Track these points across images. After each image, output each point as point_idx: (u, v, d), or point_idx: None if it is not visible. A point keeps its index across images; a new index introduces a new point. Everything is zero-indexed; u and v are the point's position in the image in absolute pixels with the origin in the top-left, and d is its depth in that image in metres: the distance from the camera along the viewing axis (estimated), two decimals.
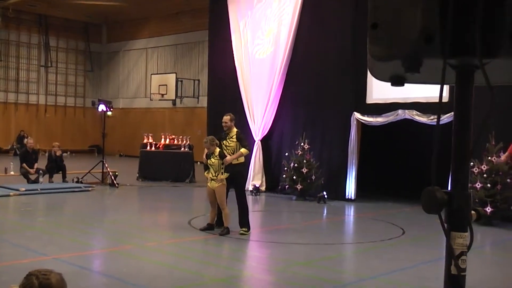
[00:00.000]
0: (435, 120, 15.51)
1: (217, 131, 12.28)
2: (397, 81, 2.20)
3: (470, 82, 2.17)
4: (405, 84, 2.24)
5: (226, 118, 12.06)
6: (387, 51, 2.06)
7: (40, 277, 3.30)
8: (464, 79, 2.17)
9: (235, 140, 11.95)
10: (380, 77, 2.26)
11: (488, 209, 12.99)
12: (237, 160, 11.86)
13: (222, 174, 11.31)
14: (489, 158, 13.58)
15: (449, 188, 2.25)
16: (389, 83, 2.28)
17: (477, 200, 13.12)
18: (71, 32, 39.13)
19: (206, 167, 11.55)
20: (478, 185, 13.35)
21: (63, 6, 34.78)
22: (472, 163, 13.24)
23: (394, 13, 2.03)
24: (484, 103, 2.04)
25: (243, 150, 11.84)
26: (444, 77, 1.99)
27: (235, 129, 12.13)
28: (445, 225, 2.23)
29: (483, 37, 1.92)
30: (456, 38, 1.95)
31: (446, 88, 2.13)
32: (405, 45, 2.00)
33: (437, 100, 2.05)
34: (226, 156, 11.48)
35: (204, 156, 11.58)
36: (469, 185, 13.22)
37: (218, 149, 11.45)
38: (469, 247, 2.28)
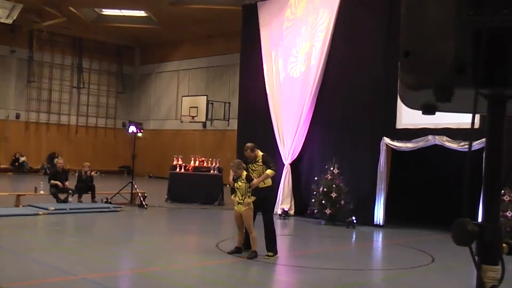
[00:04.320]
0: (466, 146, 15.36)
1: (245, 155, 12.26)
2: (428, 110, 2.18)
3: (502, 112, 2.14)
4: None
5: (246, 152, 12.09)
6: (419, 80, 2.04)
7: None
8: (496, 109, 2.14)
9: (261, 163, 11.92)
10: (411, 105, 2.24)
11: None
12: (264, 183, 11.81)
13: (249, 197, 11.26)
14: None
15: (479, 219, 2.21)
16: (420, 111, 2.26)
17: (508, 229, 12.92)
18: (104, 54, 39.61)
19: (233, 191, 11.53)
20: (509, 213, 13.16)
21: (96, 29, 35.27)
22: (502, 191, 13.07)
23: (427, 42, 2.01)
24: None
25: (268, 171, 11.77)
26: (476, 107, 1.96)
27: (260, 153, 12.10)
28: (476, 257, 2.19)
29: None
30: (488, 68, 1.93)
31: (477, 114, 2.10)
32: (437, 75, 1.98)
33: (468, 126, 2.03)
34: (253, 180, 11.46)
35: (231, 179, 11.58)
36: (500, 213, 13.09)
37: (245, 173, 11.43)
38: (500, 281, 2.23)
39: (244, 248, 11.65)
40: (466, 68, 1.94)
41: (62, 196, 18.72)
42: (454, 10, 1.98)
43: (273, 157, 13.67)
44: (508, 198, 13.34)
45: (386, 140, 17.07)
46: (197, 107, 33.23)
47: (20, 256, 11.00)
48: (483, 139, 2.22)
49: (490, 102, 2.13)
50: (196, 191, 21.71)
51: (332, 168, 17.47)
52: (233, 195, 11.53)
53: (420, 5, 2.08)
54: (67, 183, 19.09)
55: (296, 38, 19.82)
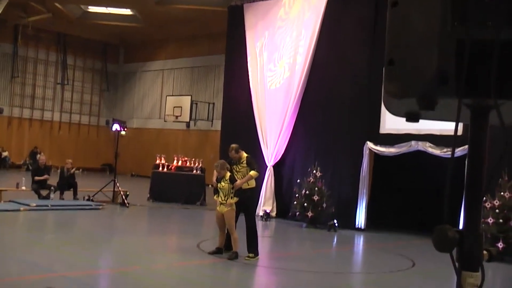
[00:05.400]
0: (448, 152, 15.50)
1: (229, 156, 12.26)
2: (412, 118, 2.20)
3: (485, 122, 2.16)
4: None
5: (230, 153, 12.09)
6: (402, 88, 2.06)
7: None
8: (479, 119, 2.17)
9: (245, 165, 11.93)
10: (395, 112, 2.26)
11: (500, 245, 12.88)
12: (248, 184, 11.81)
13: (231, 198, 11.26)
14: (502, 193, 13.49)
15: (461, 226, 2.23)
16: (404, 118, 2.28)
17: (489, 236, 13.00)
18: (89, 51, 39.42)
19: (216, 191, 11.50)
20: (491, 220, 13.25)
21: (82, 25, 35.16)
22: (484, 198, 13.15)
23: (410, 52, 2.03)
24: (500, 142, 2.03)
25: (252, 172, 11.78)
26: (459, 116, 1.98)
27: (245, 154, 12.11)
28: (456, 264, 2.21)
29: (498, 79, 1.92)
30: (471, 78, 1.95)
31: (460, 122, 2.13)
32: (420, 84, 2.00)
33: (451, 133, 2.05)
34: (236, 180, 11.45)
35: (214, 180, 11.57)
36: (482, 220, 13.15)
37: (228, 173, 11.42)
38: (480, 287, 2.25)
39: (225, 249, 11.65)
40: (449, 78, 1.96)
41: (44, 193, 18.64)
42: (438, 20, 2.00)
43: (256, 159, 13.69)
44: (490, 205, 13.43)
45: (369, 144, 17.14)
46: (181, 107, 33.19)
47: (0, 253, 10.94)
48: (466, 146, 2.24)
49: (473, 112, 2.15)
50: (178, 190, 21.68)
51: (314, 171, 17.52)
52: (215, 196, 11.52)
53: (405, 14, 2.10)
54: (47, 176, 19.02)
55: (283, 40, 19.81)
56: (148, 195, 21.99)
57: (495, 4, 1.94)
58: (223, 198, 11.28)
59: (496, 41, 1.93)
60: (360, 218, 17.20)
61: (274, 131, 19.51)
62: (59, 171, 20.16)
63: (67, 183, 19.45)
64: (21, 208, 16.62)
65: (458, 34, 1.97)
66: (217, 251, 11.67)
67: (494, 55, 1.90)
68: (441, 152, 15.47)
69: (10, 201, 17.58)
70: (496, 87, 1.92)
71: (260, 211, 18.50)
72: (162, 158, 22.85)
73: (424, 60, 2.00)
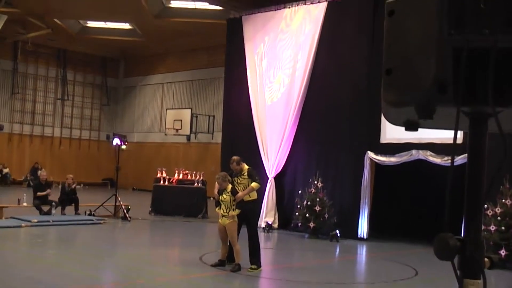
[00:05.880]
0: (449, 161, 15.49)
1: (230, 168, 12.27)
2: (411, 127, 2.20)
3: (483, 130, 2.17)
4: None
5: (232, 165, 12.11)
6: (401, 97, 2.07)
7: None
8: (478, 127, 2.18)
9: (246, 176, 11.94)
10: (393, 121, 2.27)
11: (503, 253, 12.84)
12: (249, 196, 11.81)
13: (233, 210, 11.25)
14: (503, 201, 13.47)
15: (462, 234, 2.24)
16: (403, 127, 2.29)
17: (491, 243, 12.98)
18: (88, 66, 39.47)
19: (218, 203, 11.50)
20: (493, 227, 13.22)
21: (81, 41, 35.22)
22: (486, 206, 13.14)
23: (408, 60, 2.04)
24: (500, 148, 2.03)
25: (253, 184, 11.79)
26: (457, 125, 1.99)
27: (246, 166, 12.13)
28: (458, 272, 2.22)
29: (496, 87, 1.93)
30: (469, 87, 1.96)
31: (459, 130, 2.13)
32: (418, 93, 2.01)
33: (451, 142, 2.05)
34: (238, 193, 11.45)
35: (216, 192, 11.57)
36: (484, 227, 13.14)
37: (230, 186, 11.42)
38: None
39: (228, 261, 11.63)
40: (447, 86, 1.97)
41: (45, 208, 18.61)
42: (435, 29, 2.01)
43: (257, 171, 13.69)
44: (492, 213, 13.41)
45: (370, 154, 17.14)
46: (181, 120, 33.18)
47: (2, 269, 10.92)
48: (466, 155, 2.25)
49: (471, 119, 2.16)
50: (179, 204, 21.65)
51: (316, 182, 17.50)
52: (217, 208, 11.51)
53: (402, 23, 2.11)
54: (49, 190, 19.01)
55: (287, 52, 19.77)
56: (150, 209, 21.97)
57: (491, 11, 1.95)
58: (225, 211, 11.28)
59: (493, 48, 1.94)
60: (362, 228, 17.17)
61: (274, 142, 19.50)
62: (60, 186, 20.14)
63: (69, 198, 19.42)
64: (23, 224, 16.60)
65: (454, 42, 1.98)
66: (220, 264, 11.65)
67: (491, 63, 1.91)
68: (442, 161, 15.48)
69: (11, 217, 17.54)
70: (493, 94, 1.93)
71: (262, 223, 18.47)
72: (163, 172, 22.84)
73: (421, 68, 2.01)
